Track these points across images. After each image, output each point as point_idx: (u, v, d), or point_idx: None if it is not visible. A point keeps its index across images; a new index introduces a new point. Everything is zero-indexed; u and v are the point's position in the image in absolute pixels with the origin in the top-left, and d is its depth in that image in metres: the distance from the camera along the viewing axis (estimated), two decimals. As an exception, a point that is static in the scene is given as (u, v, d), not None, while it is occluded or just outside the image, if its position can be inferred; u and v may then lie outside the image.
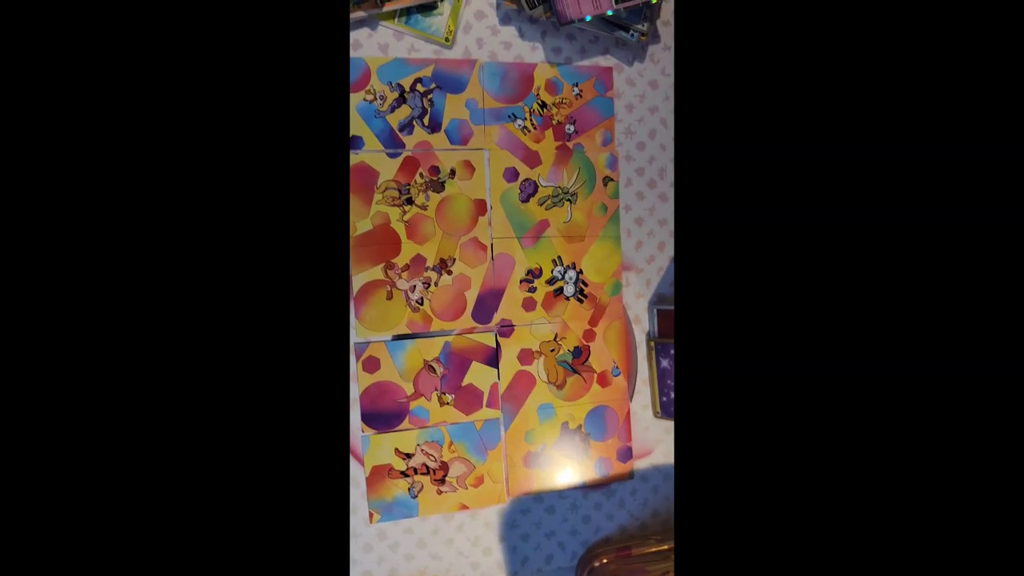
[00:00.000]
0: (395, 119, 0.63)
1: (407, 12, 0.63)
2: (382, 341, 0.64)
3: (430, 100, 0.64)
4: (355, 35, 0.63)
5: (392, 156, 0.64)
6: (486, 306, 0.66)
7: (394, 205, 0.63)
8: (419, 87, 0.64)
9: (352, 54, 0.63)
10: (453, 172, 0.65)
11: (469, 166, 0.65)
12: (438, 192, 0.64)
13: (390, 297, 0.64)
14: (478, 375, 0.66)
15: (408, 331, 0.64)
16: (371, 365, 0.63)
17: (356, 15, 0.60)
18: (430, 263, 0.64)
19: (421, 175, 0.64)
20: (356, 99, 0.63)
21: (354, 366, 0.63)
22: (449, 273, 0.65)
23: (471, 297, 0.66)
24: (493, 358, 0.66)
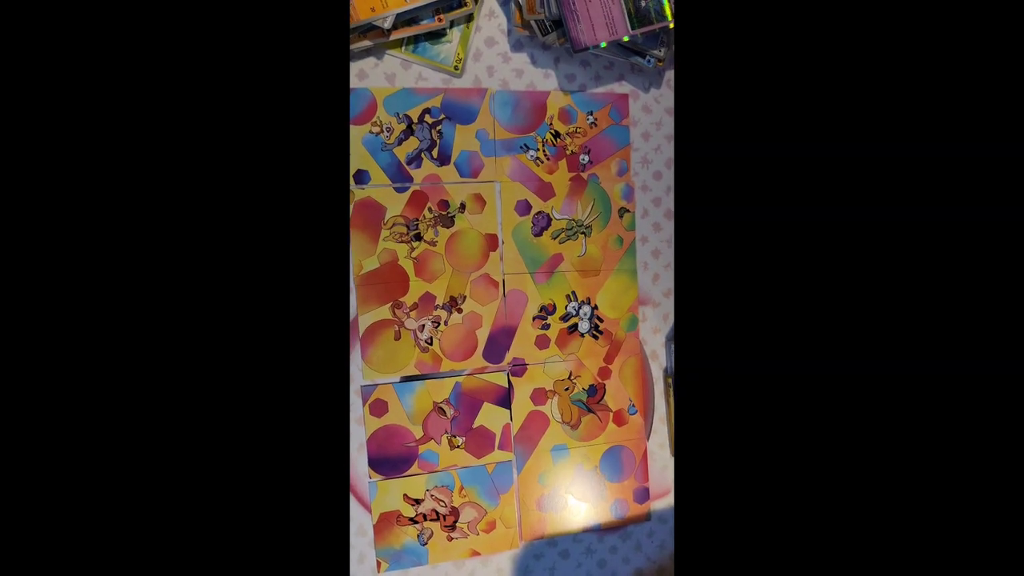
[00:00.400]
0: (403, 152, 0.61)
1: (415, 40, 0.61)
2: (390, 383, 0.61)
3: (439, 131, 0.62)
4: (360, 65, 0.60)
5: (400, 190, 0.61)
6: (498, 345, 0.63)
7: (402, 242, 0.61)
8: (427, 118, 0.62)
9: (357, 84, 0.60)
10: (463, 206, 0.62)
11: (480, 199, 0.62)
12: (447, 227, 0.62)
13: (398, 337, 0.61)
14: (490, 416, 0.63)
15: (417, 372, 0.62)
16: (378, 408, 0.61)
17: (361, 44, 0.58)
18: (439, 301, 0.62)
19: (430, 209, 0.61)
20: (362, 131, 0.60)
21: (360, 409, 0.60)
22: (459, 311, 0.62)
23: (482, 336, 0.63)
24: (505, 399, 0.63)
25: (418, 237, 0.61)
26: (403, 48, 0.61)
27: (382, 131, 0.61)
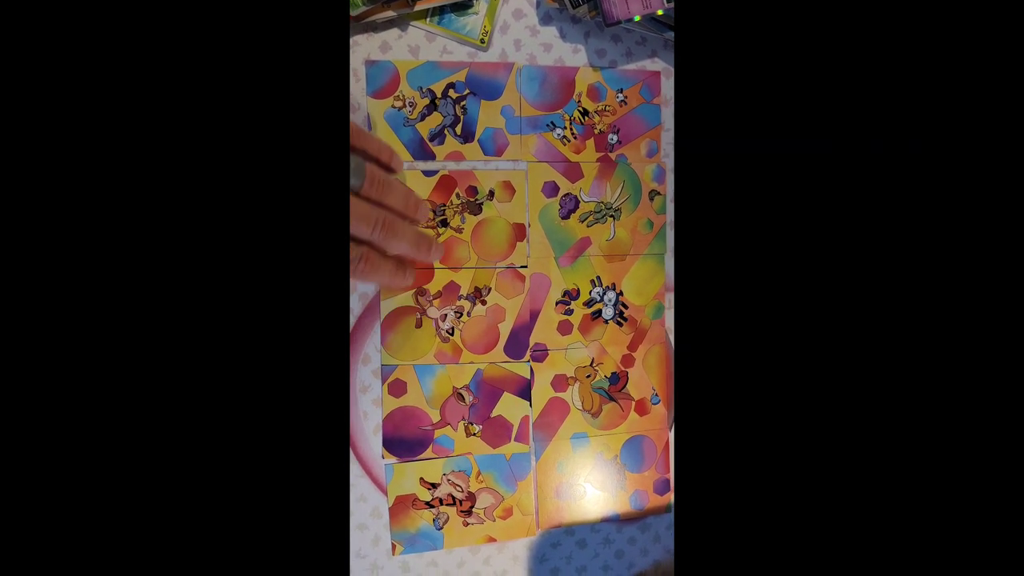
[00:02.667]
0: (425, 128, 0.58)
1: (440, 11, 0.58)
2: (410, 364, 0.59)
3: (463, 107, 0.59)
4: (384, 36, 0.57)
5: (428, 174, 0.58)
6: (519, 340, 0.62)
7: (428, 227, 0.58)
8: (451, 93, 0.59)
9: (380, 57, 0.57)
10: (492, 193, 0.60)
11: (509, 187, 0.60)
12: (475, 214, 0.59)
13: (419, 325, 0.59)
14: (509, 407, 0.62)
15: (436, 362, 0.60)
16: (397, 389, 0.59)
17: (385, 15, 0.55)
18: (464, 291, 0.60)
19: (458, 195, 0.59)
20: (384, 106, 0.57)
21: (380, 389, 0.59)
22: (483, 303, 0.60)
23: (504, 329, 0.61)
24: (526, 390, 0.62)
25: (444, 223, 0.59)
26: (428, 19, 0.58)
27: (405, 106, 0.58)
